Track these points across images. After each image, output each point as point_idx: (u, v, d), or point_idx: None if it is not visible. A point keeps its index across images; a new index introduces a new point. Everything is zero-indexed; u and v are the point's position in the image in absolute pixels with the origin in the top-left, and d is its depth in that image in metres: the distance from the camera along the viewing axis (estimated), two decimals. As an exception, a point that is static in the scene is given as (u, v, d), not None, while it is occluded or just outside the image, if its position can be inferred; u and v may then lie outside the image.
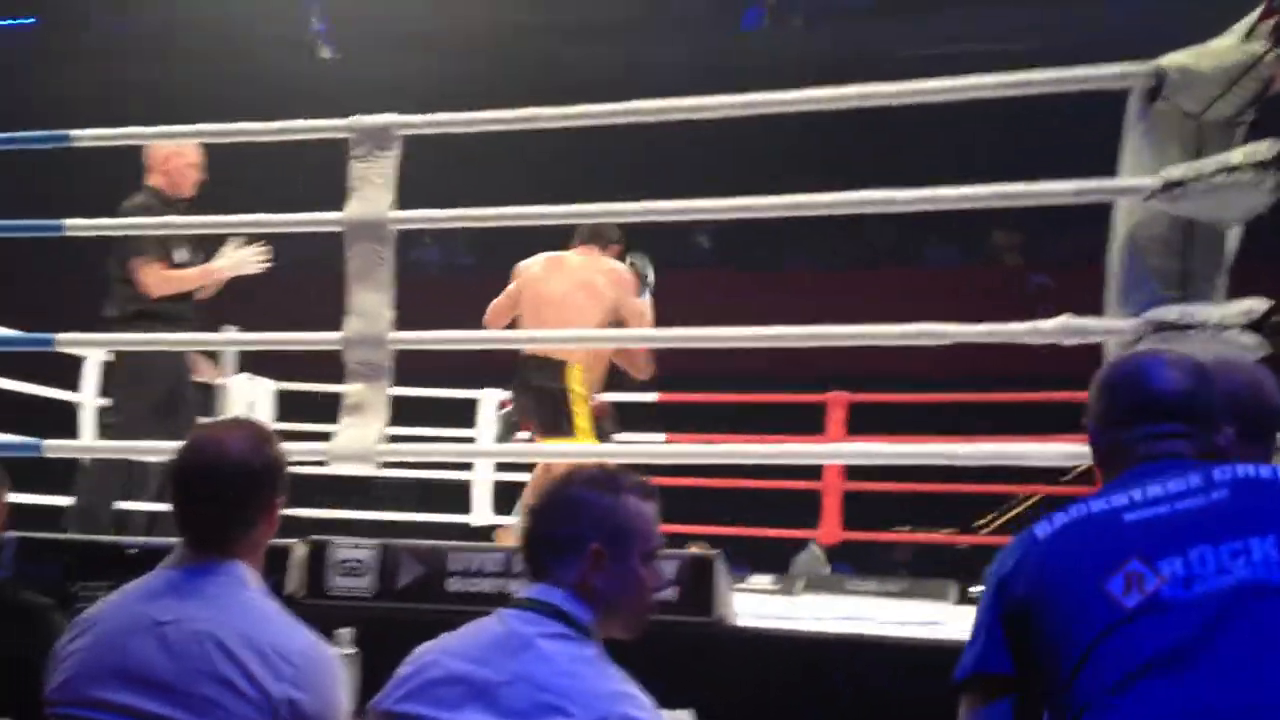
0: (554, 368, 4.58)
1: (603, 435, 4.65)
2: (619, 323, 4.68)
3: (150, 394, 4.53)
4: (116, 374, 4.66)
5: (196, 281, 4.61)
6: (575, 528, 1.86)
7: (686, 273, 11.30)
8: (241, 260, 4.61)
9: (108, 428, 4.58)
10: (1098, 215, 3.09)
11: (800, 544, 6.95)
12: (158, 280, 4.48)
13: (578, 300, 4.65)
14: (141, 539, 3.48)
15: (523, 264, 4.88)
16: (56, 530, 4.30)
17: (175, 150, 4.62)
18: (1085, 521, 1.71)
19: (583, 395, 4.59)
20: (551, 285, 4.73)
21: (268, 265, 4.66)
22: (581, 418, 4.57)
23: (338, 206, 3.46)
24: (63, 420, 5.56)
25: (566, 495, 1.90)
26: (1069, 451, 3.05)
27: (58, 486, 4.72)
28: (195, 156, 4.67)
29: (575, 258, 4.80)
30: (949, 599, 5.50)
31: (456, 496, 6.65)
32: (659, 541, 1.93)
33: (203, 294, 4.73)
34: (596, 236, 4.83)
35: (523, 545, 1.92)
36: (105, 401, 5.02)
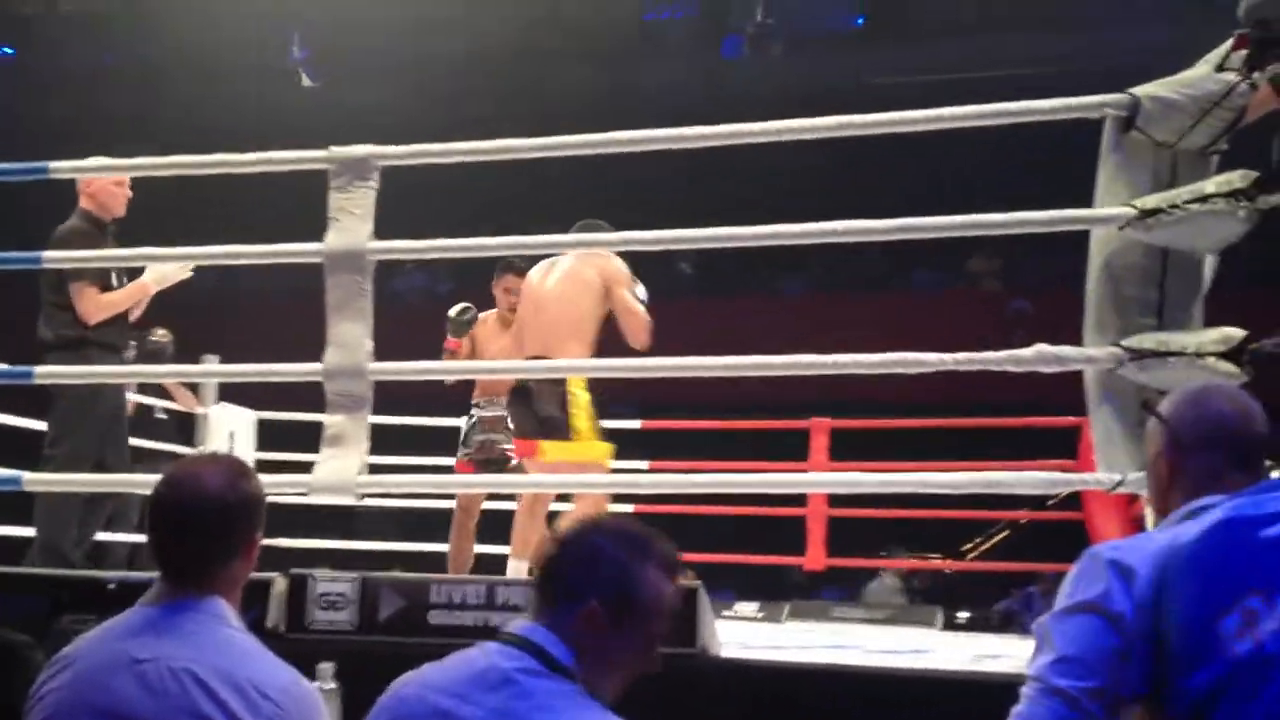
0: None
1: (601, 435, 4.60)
2: (608, 314, 4.67)
3: (96, 425, 4.43)
4: (59, 404, 4.47)
5: (129, 302, 4.52)
6: (584, 577, 1.81)
7: (668, 300, 11.31)
8: (165, 274, 4.51)
9: (50, 460, 4.38)
10: (1078, 240, 3.11)
11: (782, 570, 6.93)
12: (96, 307, 4.38)
13: (569, 293, 4.61)
14: (119, 574, 3.45)
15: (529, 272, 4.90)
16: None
17: None
18: (1225, 528, 1.57)
19: (583, 396, 4.51)
20: (546, 284, 4.69)
21: (190, 274, 4.57)
22: (580, 419, 4.50)
23: (319, 227, 3.46)
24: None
25: (589, 541, 1.84)
26: (1047, 479, 3.07)
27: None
28: (120, 175, 4.53)
29: (568, 257, 4.75)
30: (935, 625, 5.51)
31: (442, 525, 6.63)
32: (664, 626, 1.85)
33: (134, 315, 4.66)
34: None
35: (536, 572, 1.87)
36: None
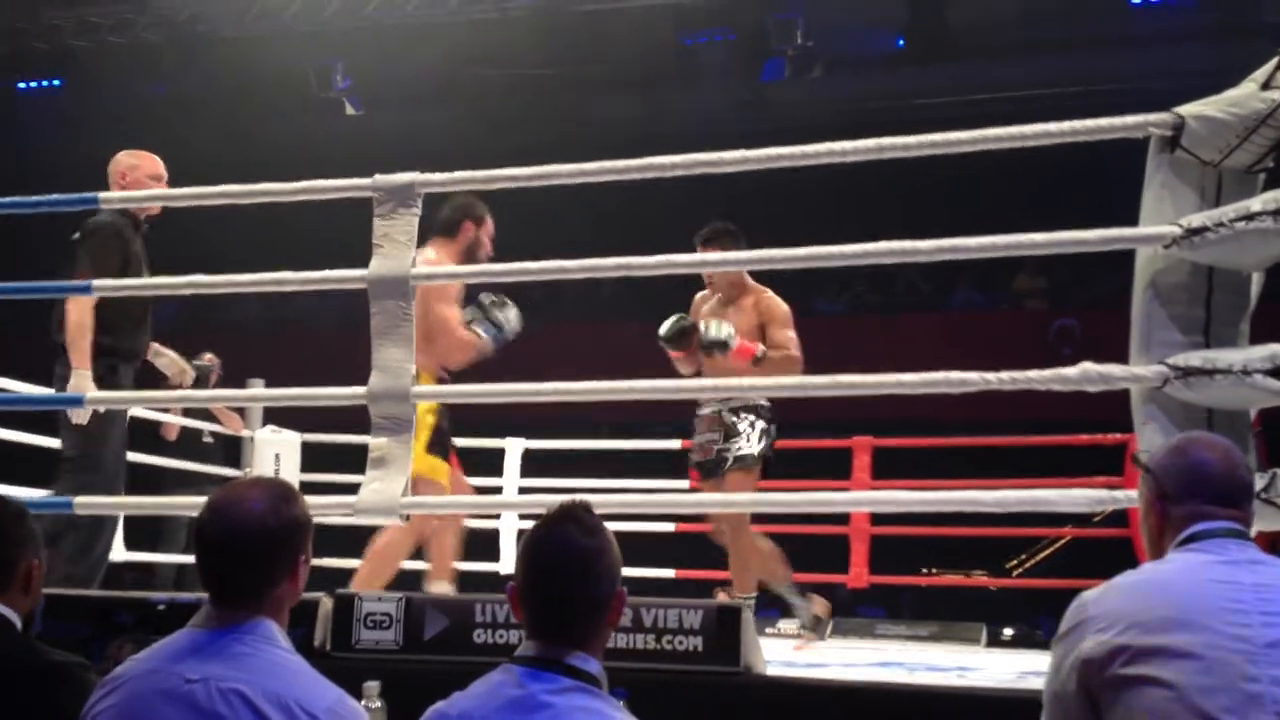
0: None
1: None
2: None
3: (117, 434, 4.34)
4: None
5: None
6: (610, 582, 1.87)
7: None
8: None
9: (72, 471, 4.22)
10: (1123, 259, 3.10)
11: (825, 588, 6.89)
12: (80, 316, 4.13)
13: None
14: (168, 595, 3.48)
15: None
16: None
17: (133, 163, 4.39)
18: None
19: None
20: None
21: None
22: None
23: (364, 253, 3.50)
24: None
25: (601, 551, 1.88)
26: (1094, 497, 3.04)
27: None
28: (156, 169, 4.42)
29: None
30: (980, 642, 5.46)
31: (485, 545, 6.66)
32: None
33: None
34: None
35: (552, 606, 1.86)
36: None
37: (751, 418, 4.68)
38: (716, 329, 4.57)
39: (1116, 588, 1.81)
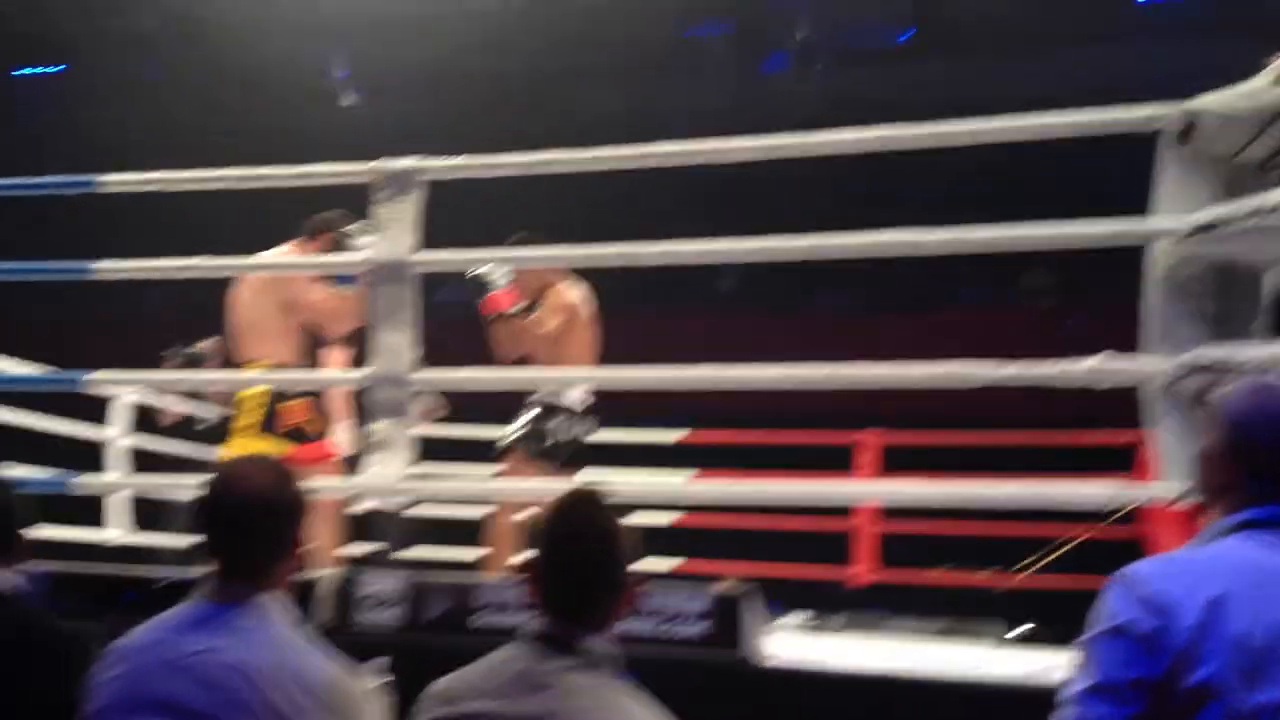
0: None
1: None
2: None
3: None
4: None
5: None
6: (627, 565, 1.87)
7: (714, 314, 11.30)
8: None
9: None
10: (1135, 257, 3.07)
11: (832, 584, 6.84)
12: None
13: None
14: (167, 571, 3.48)
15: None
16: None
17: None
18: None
19: None
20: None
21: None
22: None
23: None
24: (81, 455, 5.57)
25: (620, 534, 1.88)
26: (1109, 493, 3.01)
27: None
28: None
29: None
30: (992, 639, 5.40)
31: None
32: None
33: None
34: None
35: (571, 585, 1.85)
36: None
37: (535, 409, 4.65)
38: (488, 269, 4.44)
39: (1206, 582, 1.65)
